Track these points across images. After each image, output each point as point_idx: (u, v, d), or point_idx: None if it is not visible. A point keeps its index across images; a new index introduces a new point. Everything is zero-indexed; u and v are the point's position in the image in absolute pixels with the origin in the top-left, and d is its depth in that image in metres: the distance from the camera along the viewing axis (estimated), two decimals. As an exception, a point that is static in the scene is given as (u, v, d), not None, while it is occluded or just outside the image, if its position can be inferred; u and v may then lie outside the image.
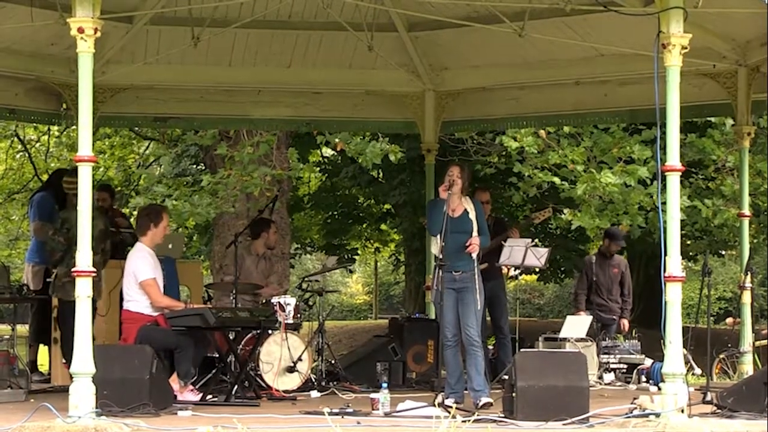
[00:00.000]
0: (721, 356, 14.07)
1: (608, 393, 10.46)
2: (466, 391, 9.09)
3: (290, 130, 14.91)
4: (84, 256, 7.52)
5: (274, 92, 12.51)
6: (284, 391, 10.02)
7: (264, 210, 12.51)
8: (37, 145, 20.71)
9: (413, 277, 23.95)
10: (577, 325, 11.75)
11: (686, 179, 15.96)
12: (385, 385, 8.63)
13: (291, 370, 10.17)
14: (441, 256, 8.89)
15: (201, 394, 9.38)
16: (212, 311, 9.27)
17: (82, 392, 7.35)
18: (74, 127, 10.89)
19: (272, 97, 12.54)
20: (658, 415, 7.53)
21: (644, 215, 15.46)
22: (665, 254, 7.72)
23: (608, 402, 8.86)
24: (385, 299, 37.44)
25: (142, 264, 9.46)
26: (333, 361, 11.59)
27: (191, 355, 9.31)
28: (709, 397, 8.63)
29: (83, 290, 7.51)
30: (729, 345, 13.72)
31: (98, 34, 7.68)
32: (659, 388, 8.28)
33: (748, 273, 10.94)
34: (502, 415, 7.95)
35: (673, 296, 7.70)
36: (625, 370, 11.73)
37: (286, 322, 10.33)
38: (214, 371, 10.14)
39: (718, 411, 8.02)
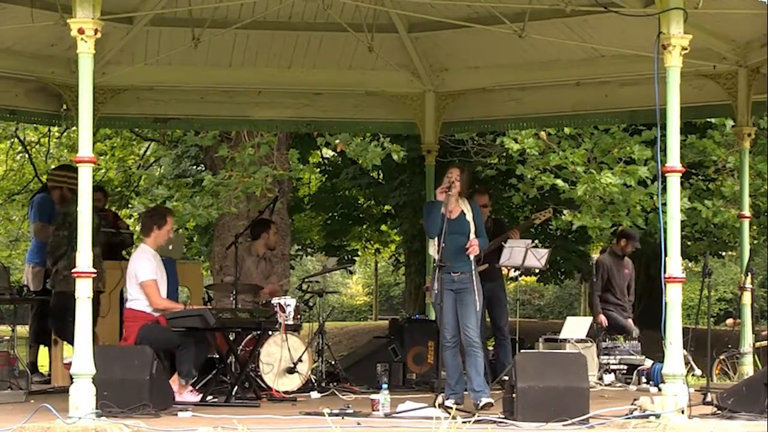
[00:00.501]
0: (722, 357, 14.07)
1: (608, 394, 10.46)
2: (465, 392, 9.09)
3: (290, 131, 14.91)
4: (84, 256, 7.51)
5: (275, 93, 12.51)
6: (284, 392, 10.03)
7: (264, 211, 12.51)
8: (38, 146, 20.71)
9: (413, 278, 23.95)
10: (577, 326, 11.75)
11: (686, 180, 15.96)
12: (385, 386, 8.64)
13: (291, 371, 10.17)
14: (439, 258, 8.90)
15: (201, 395, 9.38)
16: (212, 312, 9.28)
17: (82, 393, 7.36)
18: (74, 128, 10.91)
19: (272, 98, 12.54)
20: (658, 416, 7.54)
21: (644, 216, 15.46)
22: (665, 255, 7.73)
23: (608, 403, 8.86)
24: (385, 300, 37.43)
25: (143, 265, 9.50)
26: (333, 362, 11.59)
27: (193, 354, 9.32)
28: (709, 398, 8.63)
29: (83, 290, 7.50)
30: (729, 346, 13.72)
31: (98, 35, 7.69)
32: (659, 389, 8.27)
33: (748, 274, 10.94)
34: (502, 416, 7.95)
35: (674, 297, 7.71)
36: (625, 371, 11.73)
37: (286, 323, 10.32)
38: (214, 372, 10.14)
39: (719, 412, 8.02)
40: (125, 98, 12.15)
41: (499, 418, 7.91)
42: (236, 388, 9.41)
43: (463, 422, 7.47)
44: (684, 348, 8.36)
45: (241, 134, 14.51)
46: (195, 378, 9.52)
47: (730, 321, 14.15)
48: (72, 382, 7.45)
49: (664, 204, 7.93)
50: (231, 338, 10.24)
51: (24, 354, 10.99)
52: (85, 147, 7.58)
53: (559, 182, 15.04)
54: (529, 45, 11.35)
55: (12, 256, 23.98)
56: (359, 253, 26.95)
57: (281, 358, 10.14)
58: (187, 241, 20.50)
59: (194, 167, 20.71)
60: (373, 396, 8.58)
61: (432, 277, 9.16)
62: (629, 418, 7.67)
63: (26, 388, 9.68)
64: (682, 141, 13.07)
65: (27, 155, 20.51)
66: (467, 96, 12.50)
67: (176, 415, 8.23)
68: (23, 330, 11.23)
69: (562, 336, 11.59)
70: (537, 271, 17.61)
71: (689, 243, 18.84)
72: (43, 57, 11.49)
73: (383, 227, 24.12)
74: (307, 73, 12.33)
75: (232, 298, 10.61)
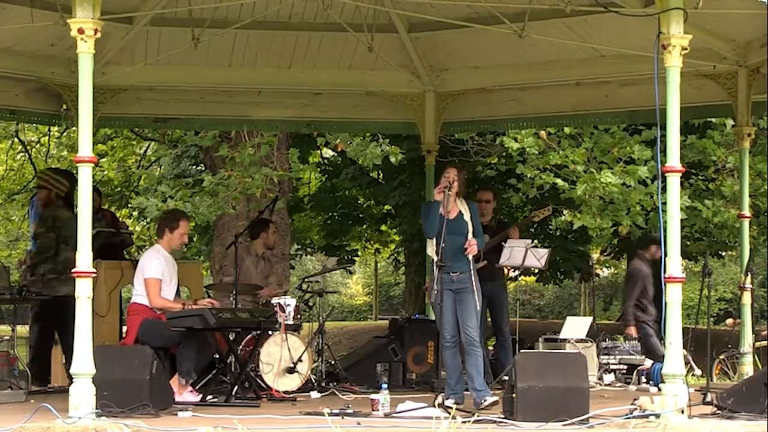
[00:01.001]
0: (721, 357, 14.08)
1: (608, 394, 10.46)
2: (465, 392, 9.10)
3: (290, 131, 14.91)
4: (84, 257, 7.51)
5: (275, 93, 12.51)
6: (284, 392, 10.03)
7: (264, 211, 12.52)
8: (38, 146, 20.71)
9: (413, 278, 23.96)
10: (577, 326, 11.75)
11: (686, 180, 15.96)
12: (385, 385, 8.64)
13: (291, 370, 10.17)
14: (438, 258, 8.90)
15: (201, 395, 9.38)
16: (212, 312, 9.29)
17: (82, 393, 7.36)
18: (74, 128, 10.91)
19: (272, 98, 12.54)
20: (658, 416, 7.54)
21: (644, 216, 15.45)
22: (665, 255, 7.73)
23: (608, 403, 8.86)
24: (385, 300, 37.43)
25: (150, 263, 9.67)
26: (333, 362, 11.59)
27: (193, 353, 9.34)
28: (709, 398, 8.63)
29: (83, 290, 7.50)
30: (729, 346, 13.73)
31: (98, 34, 7.69)
32: (659, 389, 8.28)
33: (748, 274, 10.94)
34: (502, 416, 7.95)
35: (674, 297, 7.71)
36: (625, 371, 11.73)
37: (286, 322, 10.33)
38: (214, 372, 10.14)
39: (718, 412, 8.02)
40: (125, 98, 12.14)
41: (499, 418, 7.91)
42: (236, 388, 9.41)
43: (463, 422, 7.47)
44: (684, 348, 8.36)
45: (241, 134, 14.51)
46: (195, 378, 9.53)
47: (730, 321, 14.15)
48: (72, 382, 7.45)
49: (664, 203, 7.93)
50: (231, 338, 10.24)
51: (24, 354, 11.00)
52: (85, 147, 7.58)
53: (559, 181, 15.05)
54: (529, 45, 11.35)
55: (12, 256, 23.97)
56: (359, 253, 26.95)
57: (281, 358, 10.14)
58: (187, 241, 20.49)
59: (194, 167, 20.71)
60: (373, 396, 8.58)
61: (431, 277, 9.16)
62: (629, 418, 7.67)
63: (26, 388, 9.68)
64: (682, 141, 13.07)
65: (27, 155, 20.50)
66: (467, 96, 12.50)
67: (176, 415, 8.23)
68: (23, 330, 11.23)
69: (562, 336, 11.60)
70: (536, 270, 17.61)
71: (689, 243, 18.84)
72: (43, 57, 11.48)
73: (383, 227, 24.12)
74: (307, 73, 12.33)
75: (231, 298, 10.61)
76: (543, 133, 14.84)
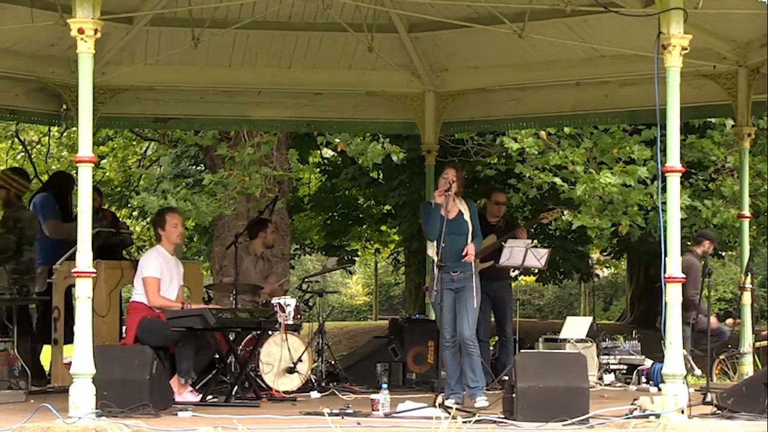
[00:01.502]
0: (721, 357, 14.06)
1: (608, 394, 10.46)
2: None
3: (290, 131, 14.90)
4: (84, 257, 7.51)
5: (274, 93, 12.51)
6: (284, 392, 10.03)
7: (264, 211, 12.52)
8: (38, 146, 20.70)
9: (413, 278, 23.95)
10: (577, 326, 11.75)
11: (686, 180, 15.95)
12: (385, 385, 8.64)
13: (291, 370, 10.17)
14: (438, 259, 8.90)
15: (201, 395, 9.38)
16: (212, 312, 9.29)
17: (82, 393, 7.36)
18: (74, 128, 10.91)
19: (272, 98, 12.54)
20: (658, 416, 7.54)
21: (644, 216, 15.45)
22: (665, 255, 7.73)
23: (608, 403, 8.86)
24: (385, 300, 37.41)
25: (148, 262, 9.71)
26: (333, 362, 11.59)
27: (192, 353, 9.34)
28: (709, 398, 8.63)
29: (83, 290, 7.50)
30: (729, 346, 13.72)
31: (98, 34, 7.69)
32: (659, 389, 8.28)
33: (748, 274, 10.94)
34: (502, 416, 7.95)
35: (673, 297, 7.71)
36: (625, 371, 11.72)
37: (286, 322, 10.33)
38: (214, 372, 10.14)
39: (718, 412, 8.02)
40: (125, 98, 12.14)
41: (499, 418, 7.91)
42: (236, 388, 9.41)
43: (463, 422, 7.48)
44: (684, 348, 8.36)
45: (240, 134, 14.51)
46: (194, 378, 9.53)
47: (730, 321, 14.13)
48: (72, 382, 7.45)
49: (664, 203, 7.93)
50: (231, 338, 10.24)
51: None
52: (85, 147, 7.58)
53: (558, 181, 15.04)
54: (529, 45, 11.35)
55: (12, 256, 23.93)
56: (359, 253, 26.94)
57: (281, 358, 10.14)
58: (187, 241, 20.51)
59: (194, 167, 20.71)
60: (373, 396, 8.58)
61: (431, 277, 9.17)
62: (629, 418, 7.67)
63: (26, 388, 9.68)
64: (682, 141, 13.07)
65: (27, 155, 20.50)
66: (467, 96, 12.50)
67: (176, 415, 8.23)
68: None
69: (562, 336, 11.59)
70: (536, 270, 17.61)
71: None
72: (43, 57, 11.48)
73: (383, 227, 24.11)
74: (307, 73, 12.33)
75: (231, 298, 10.62)
76: (543, 134, 14.83)
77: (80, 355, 7.44)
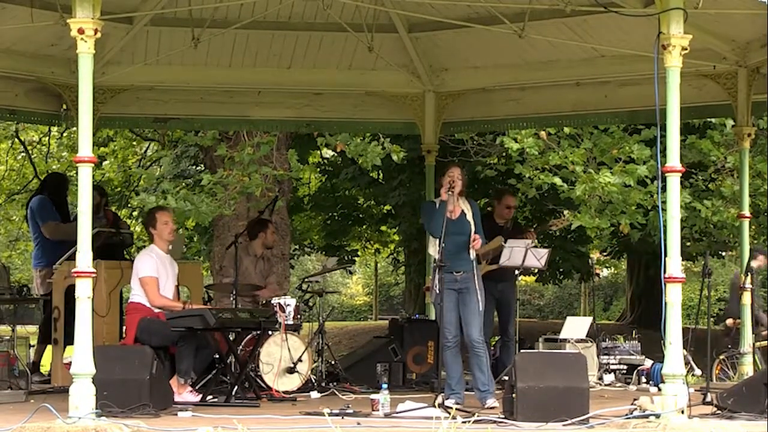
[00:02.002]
0: (721, 357, 14.06)
1: (608, 394, 10.46)
2: (466, 392, 9.10)
3: (290, 131, 14.90)
4: (84, 257, 7.51)
5: (274, 93, 12.51)
6: (284, 392, 10.03)
7: (264, 211, 12.51)
8: (38, 146, 20.70)
9: (413, 278, 23.94)
10: (577, 326, 11.75)
11: (686, 180, 15.95)
12: (385, 385, 8.64)
13: (291, 370, 10.17)
14: (439, 258, 8.90)
15: (201, 395, 9.38)
16: (212, 312, 9.29)
17: (82, 393, 7.36)
18: (74, 128, 10.91)
19: (272, 98, 12.54)
20: (658, 416, 7.54)
21: (644, 216, 15.44)
22: (665, 255, 7.73)
23: (608, 403, 8.86)
24: (385, 300, 37.41)
25: (143, 262, 9.71)
26: (333, 362, 11.59)
27: (192, 353, 9.35)
28: (709, 398, 8.63)
29: (83, 290, 7.49)
30: (729, 346, 13.72)
31: (98, 34, 7.69)
32: (659, 389, 8.27)
33: (748, 274, 10.94)
34: (502, 416, 7.95)
35: (674, 297, 7.71)
36: (625, 371, 11.72)
37: (286, 323, 10.33)
38: (214, 372, 10.14)
39: (718, 412, 8.03)
40: (125, 98, 12.14)
41: (499, 418, 7.91)
42: (236, 388, 9.41)
43: (463, 422, 7.47)
44: (684, 348, 8.36)
45: (240, 134, 14.51)
46: (194, 378, 9.53)
47: (730, 321, 14.12)
48: (72, 382, 7.45)
49: (664, 203, 7.93)
50: (231, 338, 10.24)
51: (24, 354, 11.00)
52: (85, 147, 7.58)
53: (557, 180, 15.04)
54: (529, 45, 11.35)
55: (12, 256, 23.99)
56: (359, 253, 26.94)
57: (281, 358, 10.14)
58: (187, 241, 20.49)
59: (193, 167, 20.71)
60: (373, 396, 8.58)
61: (432, 277, 9.16)
62: (629, 418, 7.67)
63: (26, 388, 9.68)
64: (682, 141, 13.07)
65: (27, 155, 20.49)
66: (467, 96, 12.50)
67: (176, 415, 8.23)
68: (23, 330, 11.24)
69: (562, 336, 11.59)
70: (536, 270, 17.61)
71: (689, 243, 18.84)
72: (43, 57, 11.49)
73: (383, 227, 24.11)
74: (307, 73, 12.33)
75: (231, 299, 10.62)
76: (543, 134, 14.83)
77: (80, 355, 7.43)
